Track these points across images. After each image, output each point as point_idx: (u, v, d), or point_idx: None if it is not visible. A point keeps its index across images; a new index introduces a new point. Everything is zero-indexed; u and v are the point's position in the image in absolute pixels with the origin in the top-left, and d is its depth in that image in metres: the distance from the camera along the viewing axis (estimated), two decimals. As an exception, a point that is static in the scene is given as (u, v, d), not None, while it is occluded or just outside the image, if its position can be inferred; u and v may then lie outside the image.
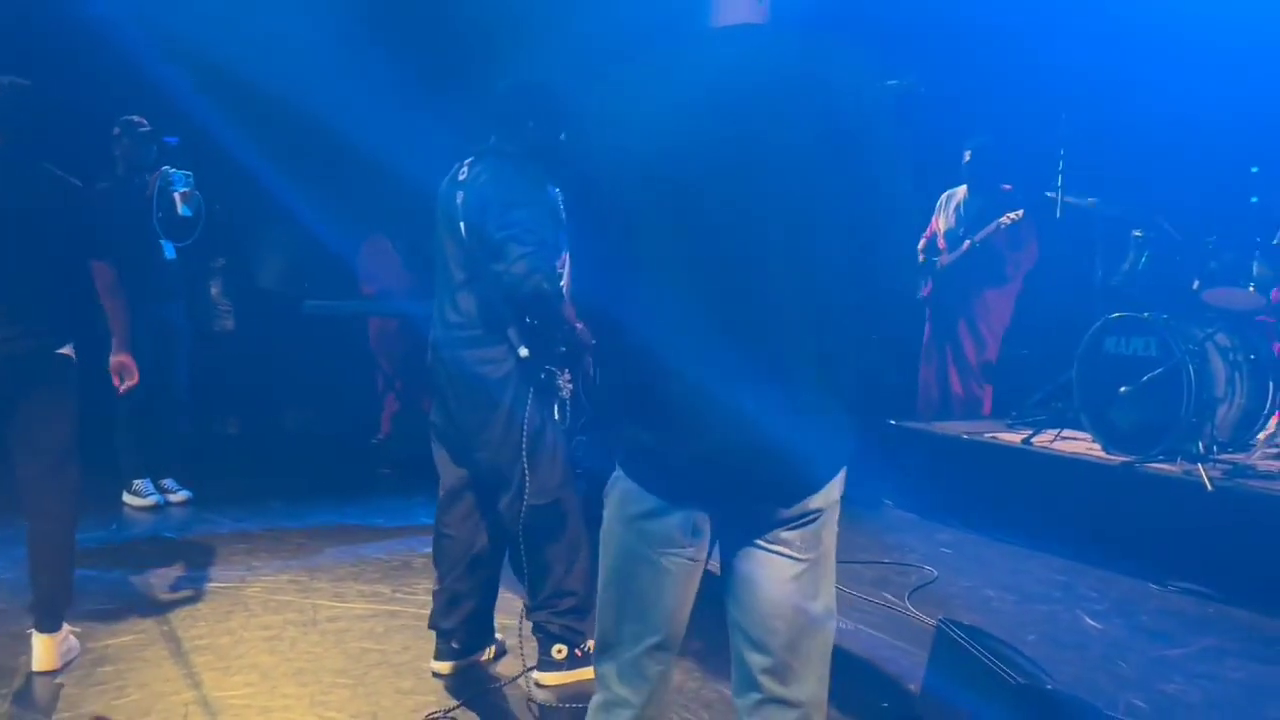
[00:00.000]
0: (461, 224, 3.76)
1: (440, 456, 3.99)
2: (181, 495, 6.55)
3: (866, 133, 1.91)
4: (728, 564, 2.09)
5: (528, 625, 3.90)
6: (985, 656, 3.11)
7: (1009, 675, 2.98)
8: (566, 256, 4.02)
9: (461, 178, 3.82)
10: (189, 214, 6.34)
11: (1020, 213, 6.74)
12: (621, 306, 1.99)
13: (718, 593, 2.16)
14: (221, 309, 9.20)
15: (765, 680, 2.05)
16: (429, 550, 5.32)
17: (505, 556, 3.98)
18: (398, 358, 8.06)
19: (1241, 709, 3.72)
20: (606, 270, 2.06)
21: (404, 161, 6.36)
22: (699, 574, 2.13)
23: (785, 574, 2.01)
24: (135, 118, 6.35)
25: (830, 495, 2.05)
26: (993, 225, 6.84)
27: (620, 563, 2.11)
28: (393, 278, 8.20)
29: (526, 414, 3.72)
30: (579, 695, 3.74)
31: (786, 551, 2.03)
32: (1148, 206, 6.24)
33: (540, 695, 3.77)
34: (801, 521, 2.02)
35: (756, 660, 2.06)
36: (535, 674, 3.87)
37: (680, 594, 2.10)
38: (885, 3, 7.32)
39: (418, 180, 4.74)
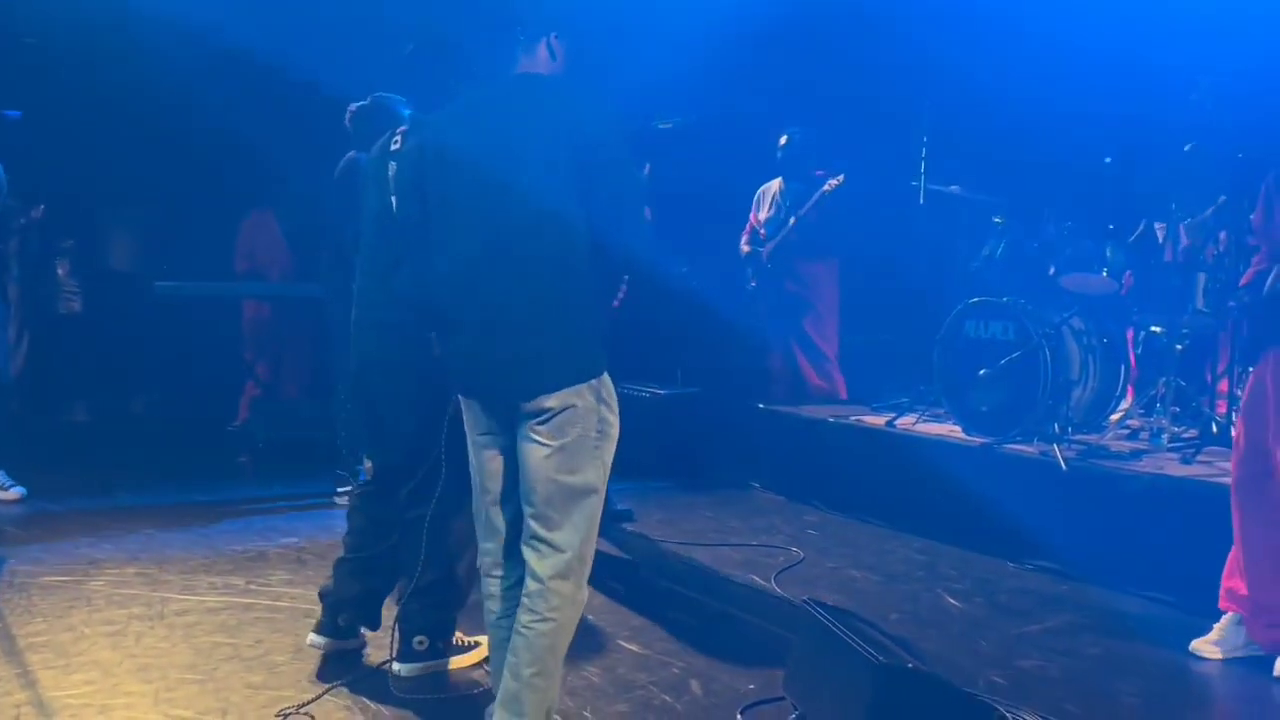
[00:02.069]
0: (394, 199, 3.51)
1: (359, 440, 3.94)
2: (14, 493, 6.05)
3: (602, 151, 2.78)
4: (514, 451, 2.93)
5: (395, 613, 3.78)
6: (848, 636, 3.10)
7: (870, 655, 2.98)
8: None
9: (395, 148, 3.64)
10: None
11: (841, 178, 6.82)
12: (433, 270, 2.92)
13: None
14: (68, 290, 8.79)
15: (534, 525, 2.88)
16: (286, 540, 5.19)
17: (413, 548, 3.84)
18: (265, 340, 7.81)
19: (1097, 683, 3.81)
20: (426, 245, 2.93)
21: (293, 136, 6.17)
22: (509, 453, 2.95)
23: (539, 455, 2.85)
24: None
25: (566, 400, 2.82)
26: (816, 194, 6.91)
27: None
28: (272, 256, 7.95)
29: (450, 402, 3.50)
30: (438, 686, 3.66)
31: (537, 439, 2.85)
32: (1007, 194, 6.39)
33: (399, 686, 3.65)
34: (544, 418, 2.83)
35: (528, 510, 2.89)
36: (395, 665, 3.73)
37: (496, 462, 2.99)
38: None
39: (307, 155, 4.56)
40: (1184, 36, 6.21)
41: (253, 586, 4.69)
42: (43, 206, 7.08)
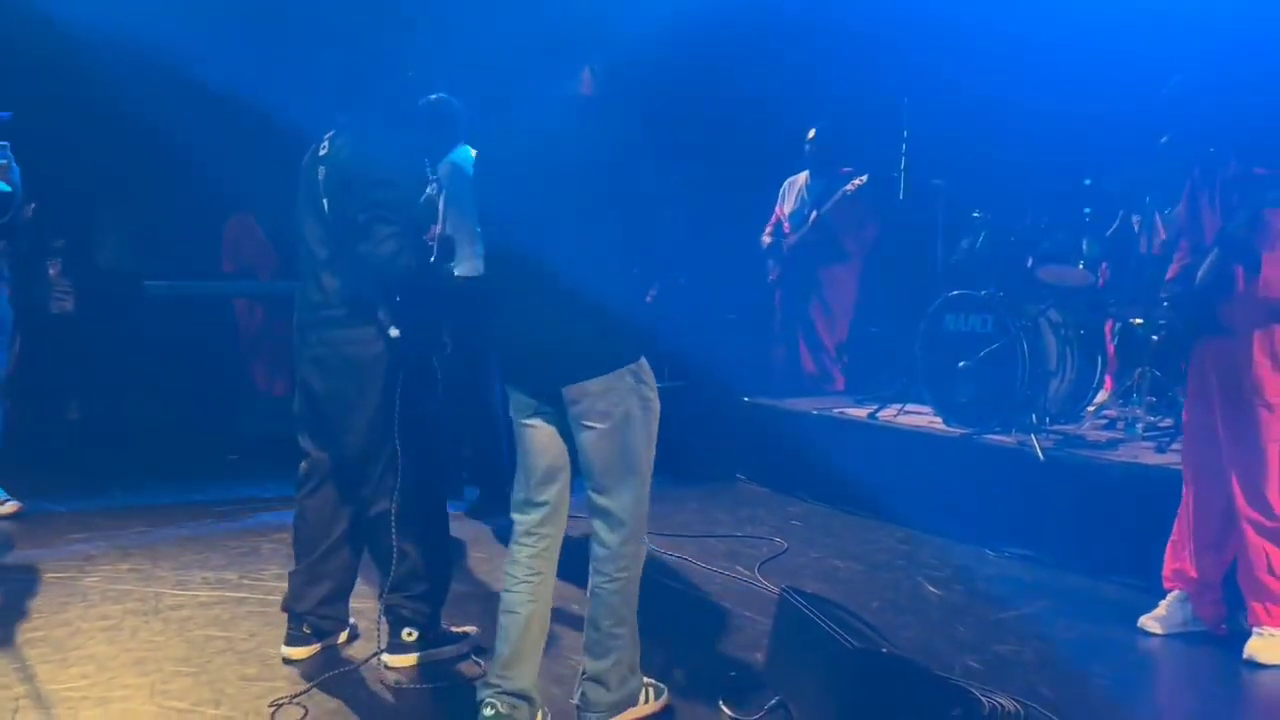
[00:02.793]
0: (324, 200, 3.67)
1: (303, 440, 3.91)
2: (10, 506, 5.89)
3: (629, 161, 3.13)
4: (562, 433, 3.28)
5: (379, 607, 3.86)
6: (824, 623, 3.20)
7: (846, 640, 3.08)
8: (436, 229, 4.00)
9: (323, 153, 3.73)
10: (5, 189, 5.98)
11: (865, 177, 6.93)
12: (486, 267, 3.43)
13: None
14: (60, 290, 8.84)
15: (596, 499, 3.27)
16: (279, 535, 5.25)
17: (365, 540, 3.93)
18: (256, 338, 7.88)
19: (1072, 666, 3.91)
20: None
21: (271, 137, 6.19)
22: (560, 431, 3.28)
23: (589, 437, 3.19)
24: None
25: (605, 386, 3.14)
26: (839, 193, 7.01)
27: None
28: (256, 257, 8.01)
29: (399, 395, 3.66)
30: (430, 676, 3.74)
31: (584, 423, 3.17)
32: (987, 187, 6.49)
33: (390, 677, 3.74)
34: (585, 405, 3.15)
35: (590, 485, 3.27)
36: (385, 656, 3.81)
37: (544, 441, 3.30)
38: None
39: (285, 157, 4.62)
40: (1156, 32, 6.31)
41: (245, 581, 4.78)
42: (34, 205, 7.11)
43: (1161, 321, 5.63)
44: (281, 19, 7.16)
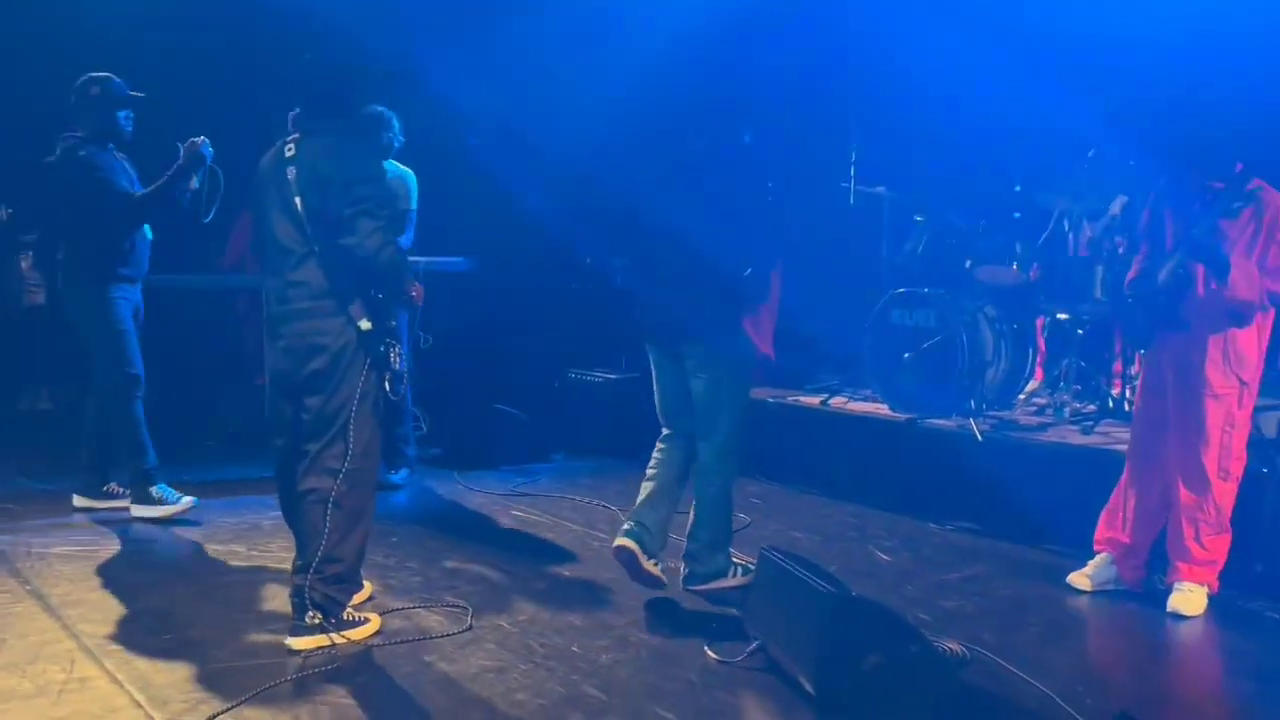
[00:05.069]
0: (296, 199, 3.88)
1: (277, 429, 4.11)
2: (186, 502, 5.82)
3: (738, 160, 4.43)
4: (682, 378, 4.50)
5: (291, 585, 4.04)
6: (800, 572, 3.68)
7: (820, 586, 3.56)
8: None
9: (289, 154, 3.94)
10: None
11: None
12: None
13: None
14: (31, 284, 9.03)
15: (698, 433, 4.49)
16: (274, 514, 5.55)
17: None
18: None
19: (1007, 618, 4.44)
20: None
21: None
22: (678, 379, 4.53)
23: (699, 385, 4.44)
24: None
25: (710, 348, 4.37)
26: None
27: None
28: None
29: (360, 384, 3.91)
30: (332, 658, 3.85)
31: (695, 371, 4.41)
32: (928, 194, 7.03)
33: (293, 661, 3.83)
34: (696, 360, 4.39)
35: (696, 422, 4.49)
36: (287, 638, 3.93)
37: (671, 387, 4.59)
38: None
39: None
40: (1084, 52, 6.90)
41: (254, 553, 5.14)
42: (9, 210, 7.34)
43: (1085, 318, 6.22)
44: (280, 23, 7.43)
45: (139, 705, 3.46)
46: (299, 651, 3.89)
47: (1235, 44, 6.17)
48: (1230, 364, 4.46)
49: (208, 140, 5.48)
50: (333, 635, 3.93)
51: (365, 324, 3.92)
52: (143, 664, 3.78)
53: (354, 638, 3.98)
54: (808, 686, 3.51)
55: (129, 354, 5.64)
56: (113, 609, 4.33)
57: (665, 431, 4.67)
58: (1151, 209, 4.79)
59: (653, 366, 4.66)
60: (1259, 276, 4.37)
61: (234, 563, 5.00)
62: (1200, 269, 4.44)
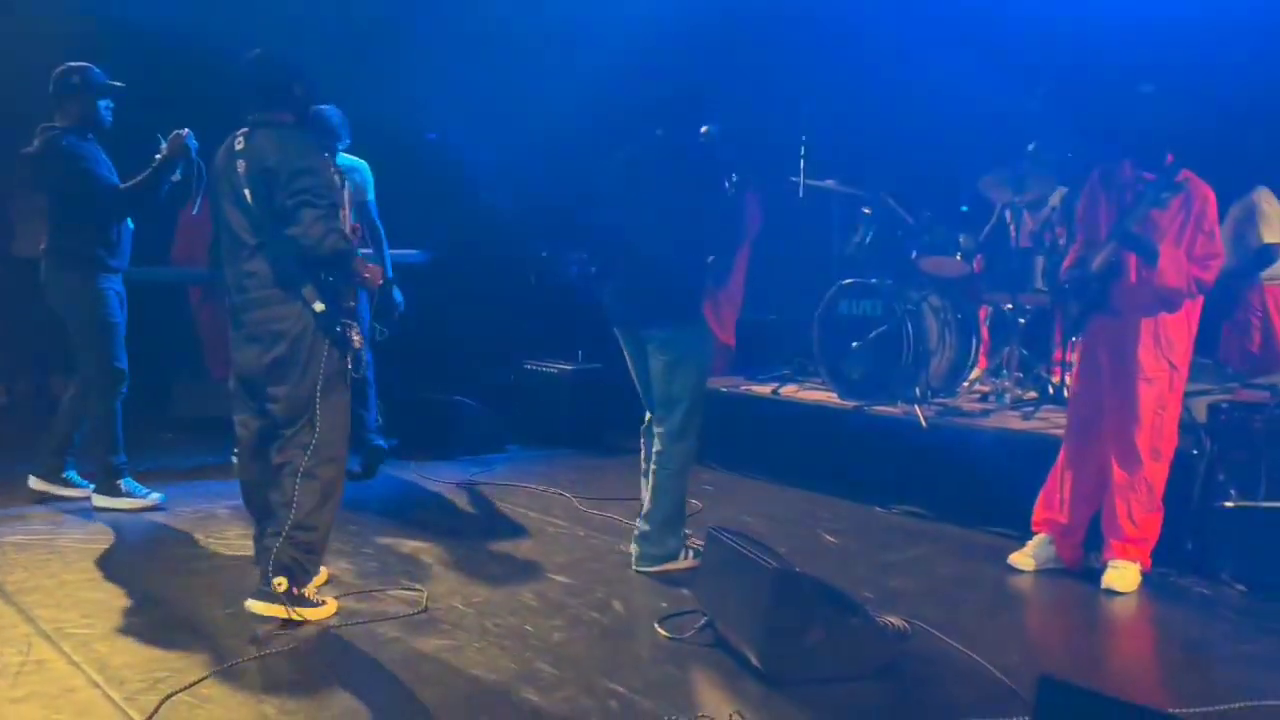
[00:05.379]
0: (246, 191, 4.05)
1: (239, 413, 4.27)
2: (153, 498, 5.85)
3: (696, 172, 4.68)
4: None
5: (261, 548, 4.20)
6: (749, 551, 3.80)
7: (767, 563, 3.68)
8: (346, 214, 4.50)
9: (239, 148, 4.10)
10: None
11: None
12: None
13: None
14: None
15: (655, 415, 4.76)
16: (231, 503, 5.62)
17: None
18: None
19: (949, 595, 4.59)
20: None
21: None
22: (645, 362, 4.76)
23: (658, 366, 4.67)
24: None
25: (671, 333, 4.60)
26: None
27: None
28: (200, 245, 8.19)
29: (323, 363, 4.07)
30: (291, 639, 3.91)
31: (655, 354, 4.63)
32: (876, 187, 7.17)
33: (251, 645, 3.89)
34: (657, 343, 4.62)
35: (654, 403, 4.75)
36: (249, 601, 4.10)
37: (641, 371, 4.82)
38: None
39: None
40: (1025, 46, 7.08)
41: (211, 539, 5.18)
42: None
43: (1027, 307, 6.39)
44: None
45: (96, 685, 3.51)
46: (256, 615, 4.05)
47: (1166, 40, 6.39)
48: (1161, 348, 4.64)
49: (192, 132, 5.52)
50: (290, 610, 4.03)
51: (319, 306, 4.06)
52: (100, 646, 3.83)
53: (311, 617, 4.07)
54: (754, 660, 3.63)
55: (115, 348, 5.63)
56: (69, 595, 4.36)
57: (648, 417, 4.89)
58: (1088, 198, 4.96)
59: (626, 355, 4.87)
60: (1187, 264, 4.55)
61: (191, 549, 5.04)
62: (1132, 257, 4.62)
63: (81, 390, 5.74)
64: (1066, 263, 4.99)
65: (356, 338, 4.16)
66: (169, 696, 3.41)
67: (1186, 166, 4.64)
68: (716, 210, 4.71)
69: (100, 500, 5.68)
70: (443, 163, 9.05)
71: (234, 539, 5.15)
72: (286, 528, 4.04)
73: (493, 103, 9.37)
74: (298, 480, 4.05)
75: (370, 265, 4.31)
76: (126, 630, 3.99)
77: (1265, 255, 6.53)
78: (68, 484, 5.83)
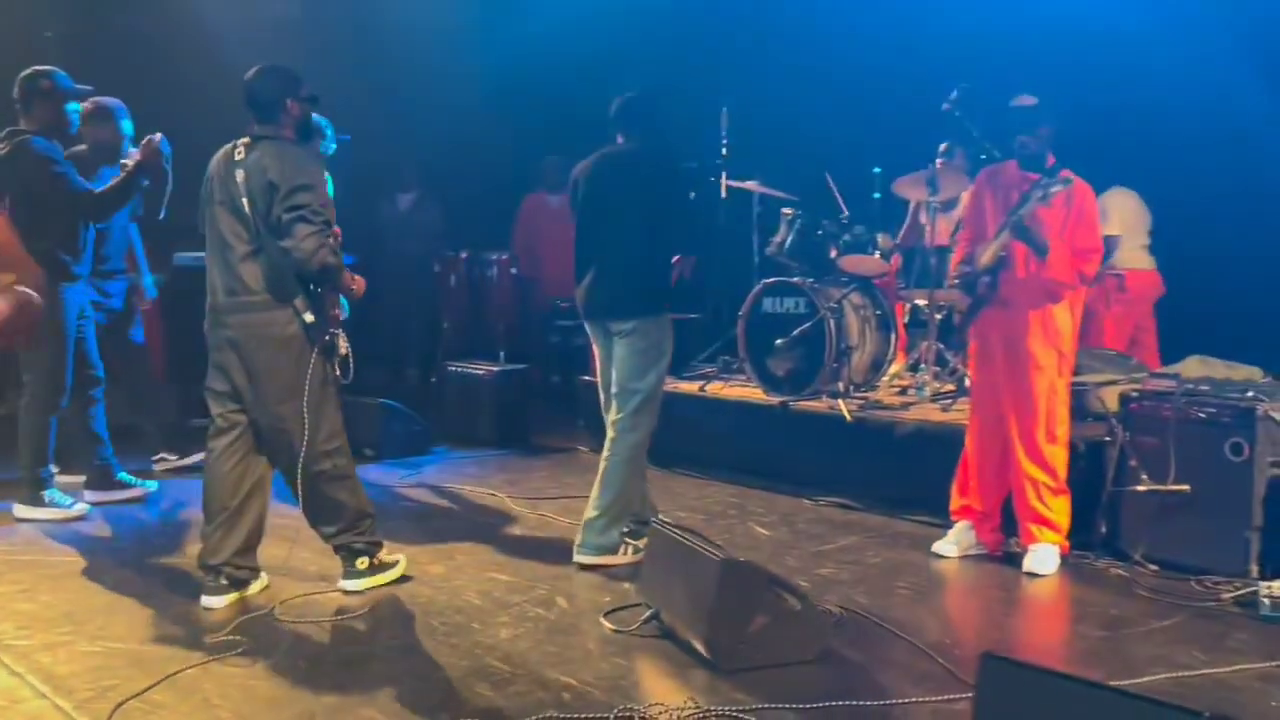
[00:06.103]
0: (244, 200, 4.19)
1: (215, 406, 4.38)
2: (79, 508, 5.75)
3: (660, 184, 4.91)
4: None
5: (330, 547, 4.51)
6: (692, 541, 3.90)
7: (710, 553, 3.79)
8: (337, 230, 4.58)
9: (239, 157, 4.23)
10: None
11: None
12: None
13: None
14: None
15: (614, 400, 4.94)
16: (170, 506, 5.57)
17: (270, 495, 4.44)
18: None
19: (878, 582, 4.74)
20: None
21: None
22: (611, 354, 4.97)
23: (621, 350, 4.89)
24: None
25: (632, 328, 4.83)
26: None
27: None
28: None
29: (310, 371, 4.23)
30: (236, 643, 3.93)
31: (619, 344, 4.85)
32: (797, 187, 7.35)
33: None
34: (619, 334, 4.85)
35: (613, 391, 4.94)
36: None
37: (605, 361, 5.03)
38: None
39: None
40: (939, 50, 7.30)
41: (156, 544, 5.12)
42: None
43: (941, 303, 6.60)
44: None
45: (44, 695, 3.49)
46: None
47: (1053, 49, 6.70)
48: (1049, 337, 4.88)
49: (165, 138, 5.47)
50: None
51: (309, 316, 4.23)
52: (42, 657, 3.79)
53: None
54: (701, 649, 3.73)
55: (64, 360, 5.51)
56: (9, 608, 4.30)
57: (608, 417, 5.04)
58: (975, 197, 5.19)
59: (595, 353, 5.09)
60: (1071, 257, 4.81)
61: (133, 557, 4.99)
62: (1020, 252, 4.85)
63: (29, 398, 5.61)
64: (955, 259, 5.22)
65: (344, 345, 4.37)
66: (121, 704, 3.40)
67: (1066, 166, 4.88)
68: (686, 215, 5.14)
69: (22, 511, 5.58)
70: (355, 164, 9.02)
71: (182, 544, 5.12)
72: (342, 528, 4.43)
73: (408, 103, 9.37)
74: (341, 488, 4.38)
75: (357, 277, 4.44)
76: (71, 640, 3.95)
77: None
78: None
